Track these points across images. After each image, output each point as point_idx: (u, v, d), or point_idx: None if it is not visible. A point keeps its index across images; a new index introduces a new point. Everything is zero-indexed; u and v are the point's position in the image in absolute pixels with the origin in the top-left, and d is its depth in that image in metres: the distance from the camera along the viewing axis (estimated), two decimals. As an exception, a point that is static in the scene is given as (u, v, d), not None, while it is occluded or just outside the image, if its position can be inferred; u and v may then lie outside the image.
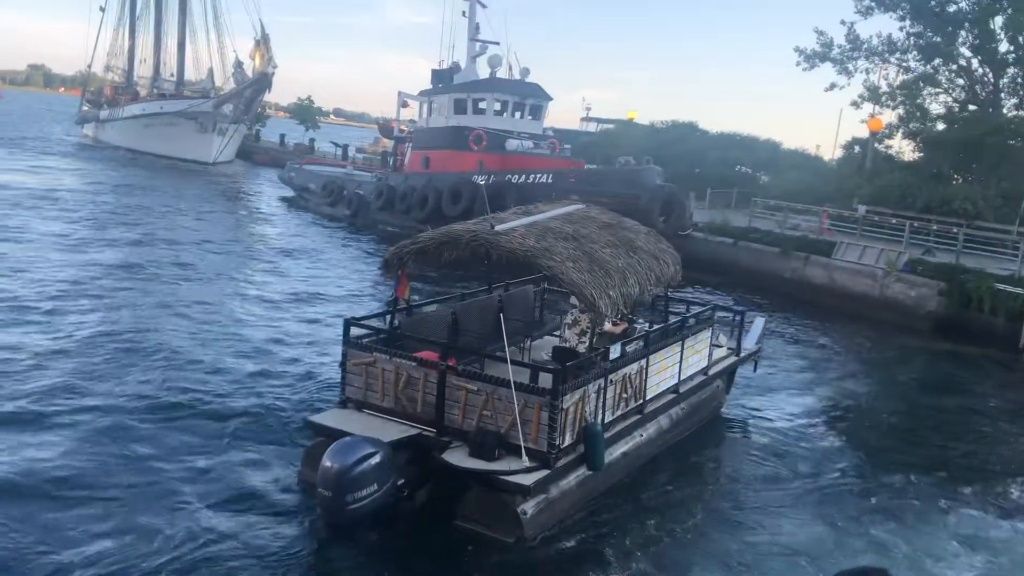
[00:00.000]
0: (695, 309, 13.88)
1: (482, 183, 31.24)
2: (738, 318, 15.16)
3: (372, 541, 9.31)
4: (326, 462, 8.65)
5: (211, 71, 70.99)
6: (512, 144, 35.59)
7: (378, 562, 9.08)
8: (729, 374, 14.79)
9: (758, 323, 15.77)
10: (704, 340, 13.53)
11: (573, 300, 13.47)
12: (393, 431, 9.84)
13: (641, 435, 11.62)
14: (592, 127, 61.13)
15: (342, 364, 10.79)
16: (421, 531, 9.53)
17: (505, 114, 37.12)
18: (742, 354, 15.02)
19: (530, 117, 37.67)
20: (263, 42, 57.52)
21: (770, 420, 14.97)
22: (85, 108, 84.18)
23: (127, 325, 16.83)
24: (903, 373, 20.47)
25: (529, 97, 37.31)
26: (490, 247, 10.38)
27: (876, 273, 26.73)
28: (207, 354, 15.37)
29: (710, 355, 13.79)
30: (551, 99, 38.28)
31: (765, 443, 13.77)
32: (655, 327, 12.54)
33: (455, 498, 9.58)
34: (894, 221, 30.53)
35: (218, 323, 17.86)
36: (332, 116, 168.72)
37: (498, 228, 10.36)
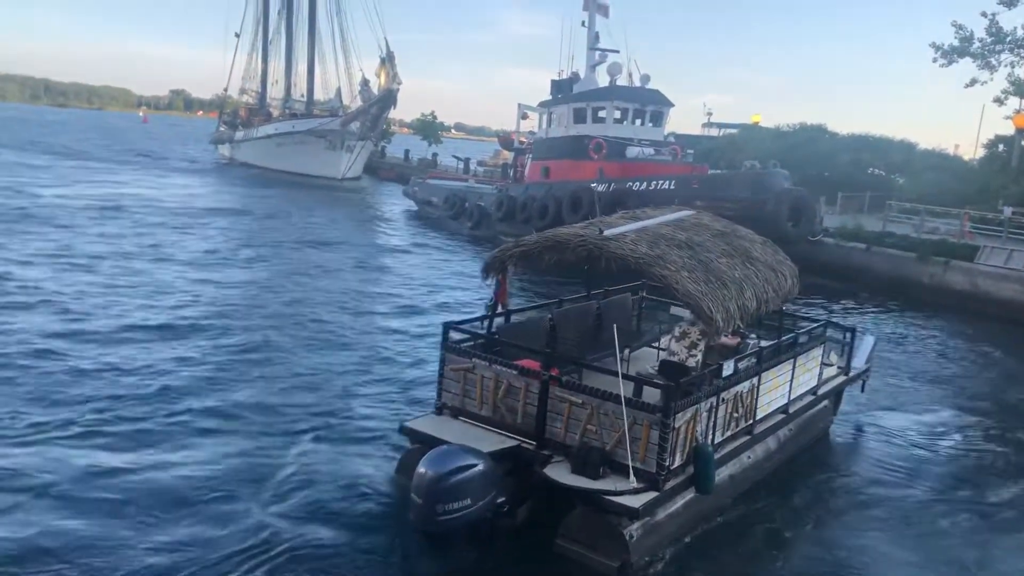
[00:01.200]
0: (806, 325, 13.22)
1: (601, 190, 31.16)
2: (848, 336, 14.37)
3: (468, 557, 8.92)
4: (421, 468, 8.42)
5: (339, 90, 73.31)
6: (632, 151, 35.27)
7: None
8: (837, 394, 14.01)
9: (868, 342, 14.90)
10: (815, 358, 12.81)
11: (675, 310, 12.88)
12: (491, 441, 9.47)
13: (749, 457, 11.00)
14: (714, 132, 59.98)
15: (439, 369, 10.54)
16: (520, 549, 9.11)
17: (625, 122, 36.82)
18: (851, 373, 14.24)
19: (651, 124, 37.23)
20: (388, 60, 59.16)
21: (886, 441, 13.99)
22: (221, 129, 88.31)
23: (247, 329, 17.46)
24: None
25: (649, 104, 36.89)
26: (599, 253, 9.82)
27: (1024, 278, 25.15)
28: (317, 356, 15.73)
29: (820, 374, 13.08)
30: (672, 105, 37.76)
31: (877, 468, 12.80)
32: (767, 343, 11.90)
33: (556, 516, 9.11)
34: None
35: (334, 326, 18.24)
36: (453, 131, 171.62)
37: (607, 233, 9.88)
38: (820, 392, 13.07)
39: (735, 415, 10.45)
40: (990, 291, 26.56)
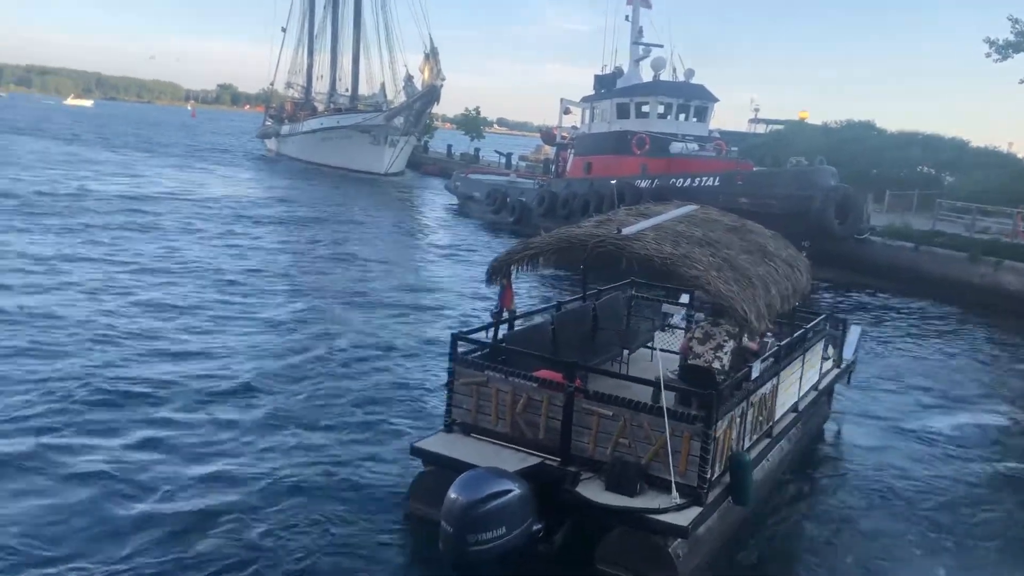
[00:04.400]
0: (809, 319, 12.89)
1: (644, 186, 30.92)
2: (839, 328, 14.15)
3: None
4: (452, 494, 7.75)
5: (383, 85, 73.62)
6: (676, 147, 34.98)
7: None
8: (831, 389, 13.77)
9: (854, 332, 14.60)
10: (818, 353, 12.53)
11: (667, 307, 12.50)
12: (511, 459, 8.79)
13: (768, 460, 10.62)
14: (761, 128, 59.18)
15: (448, 384, 9.78)
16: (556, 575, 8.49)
17: (669, 117, 36.52)
18: (843, 365, 13.99)
19: (695, 119, 36.88)
20: (432, 56, 59.34)
21: (884, 437, 13.87)
22: (268, 123, 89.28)
23: (273, 328, 17.32)
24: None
25: (694, 99, 36.53)
26: (619, 253, 9.31)
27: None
28: (341, 355, 15.47)
29: (820, 369, 12.84)
30: (717, 100, 37.38)
31: (886, 463, 12.63)
32: (780, 342, 11.47)
33: (590, 537, 8.55)
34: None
35: (362, 327, 17.93)
36: (496, 126, 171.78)
37: (625, 231, 9.36)
38: (820, 387, 12.83)
39: (760, 418, 10.14)
40: (1046, 292, 25.88)
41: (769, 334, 11.18)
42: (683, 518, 8.11)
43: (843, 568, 9.47)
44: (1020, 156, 46.18)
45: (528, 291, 21.24)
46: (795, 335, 11.61)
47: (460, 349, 9.76)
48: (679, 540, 8.21)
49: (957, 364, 19.38)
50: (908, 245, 30.03)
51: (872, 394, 16.02)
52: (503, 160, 63.98)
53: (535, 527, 8.12)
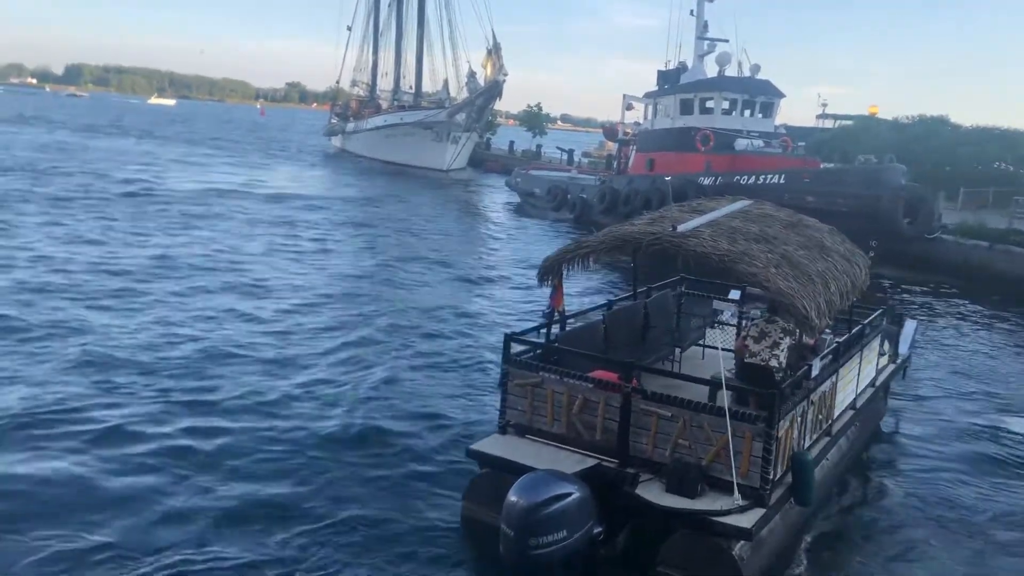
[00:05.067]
0: (867, 314, 12.57)
1: (707, 184, 30.50)
2: (896, 324, 13.91)
3: None
4: (512, 497, 7.72)
5: (446, 82, 74.13)
6: (741, 144, 34.43)
7: None
8: (887, 384, 13.48)
9: (909, 327, 14.24)
10: (875, 349, 12.27)
11: (718, 304, 12.36)
12: (569, 461, 8.73)
13: (828, 459, 10.39)
14: (829, 124, 57.90)
15: (502, 384, 9.71)
16: None
17: (734, 113, 36.00)
18: (898, 361, 13.72)
19: (760, 115, 36.28)
20: (494, 51, 59.49)
21: (940, 434, 13.60)
22: (333, 121, 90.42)
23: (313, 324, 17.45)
24: None
25: (759, 94, 35.93)
26: (675, 251, 9.12)
27: None
28: (390, 355, 15.39)
29: (877, 364, 12.58)
30: (783, 96, 36.71)
31: (935, 467, 12.31)
32: (838, 338, 11.25)
33: (650, 539, 8.41)
34: None
35: (411, 324, 17.93)
36: (559, 122, 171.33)
37: (680, 229, 9.21)
38: (878, 383, 12.57)
39: (819, 417, 9.95)
40: None
41: (827, 330, 10.94)
42: (746, 520, 7.99)
43: (903, 571, 9.24)
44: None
45: (578, 290, 20.97)
46: (853, 331, 11.38)
47: (513, 350, 9.69)
48: (742, 542, 8.10)
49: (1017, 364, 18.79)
50: (982, 244, 29.11)
51: (932, 393, 15.69)
52: (565, 157, 63.76)
53: (596, 530, 8.07)
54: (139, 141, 72.45)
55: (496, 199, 50.91)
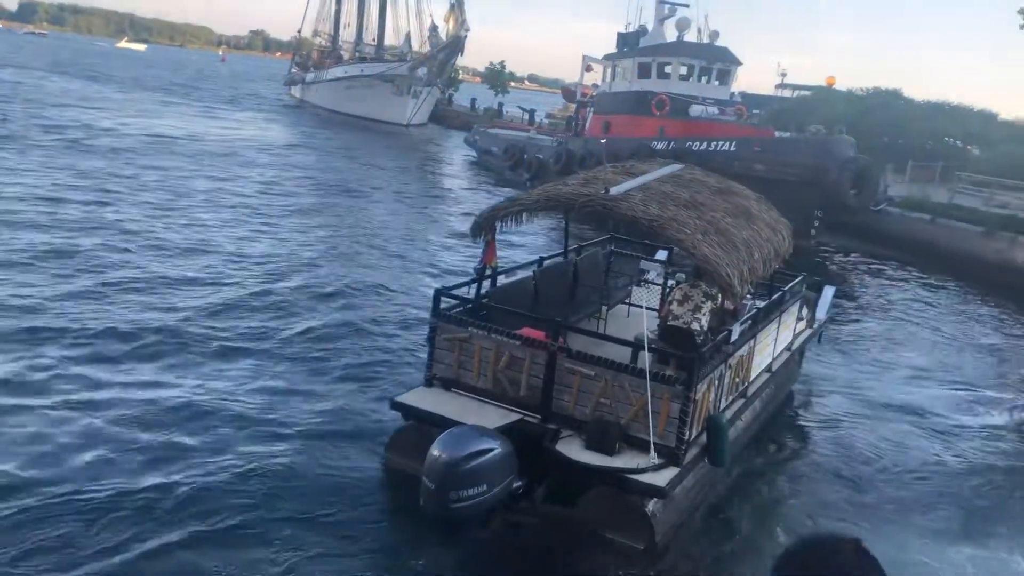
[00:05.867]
0: (787, 280, 12.93)
1: (660, 148, 30.64)
2: (815, 290, 14.36)
3: (482, 543, 8.39)
4: (434, 451, 7.83)
5: (408, 35, 73.12)
6: (696, 110, 34.56)
7: (486, 564, 8.29)
8: (802, 349, 13.94)
9: (828, 293, 14.67)
10: (794, 314, 12.70)
11: (645, 264, 12.66)
12: (492, 415, 8.87)
13: (742, 420, 10.73)
14: (788, 94, 58.25)
15: (430, 339, 9.74)
16: (535, 531, 8.59)
17: (691, 79, 36.04)
18: (815, 326, 14.17)
19: (717, 82, 36.38)
20: (457, 6, 58.74)
21: (850, 396, 14.20)
22: (294, 71, 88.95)
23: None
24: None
25: (716, 61, 35.99)
26: (606, 213, 9.29)
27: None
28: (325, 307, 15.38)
29: (795, 329, 13.02)
30: (740, 63, 36.81)
31: (843, 427, 12.88)
32: (759, 303, 11.58)
33: (568, 495, 8.65)
34: None
35: (345, 278, 17.69)
36: (527, 82, 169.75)
37: (613, 191, 9.32)
38: (794, 348, 12.96)
39: (736, 380, 10.25)
40: (1061, 271, 25.52)
41: (748, 295, 11.22)
42: (660, 478, 8.25)
43: (809, 528, 9.55)
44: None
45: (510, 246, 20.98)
46: (773, 297, 11.72)
47: (443, 305, 9.81)
48: (656, 499, 8.37)
49: (945, 337, 19.38)
50: (925, 217, 29.67)
51: (848, 359, 16.25)
52: (526, 116, 63.45)
53: (516, 484, 8.27)
54: (93, 83, 70.10)
55: (455, 156, 50.61)
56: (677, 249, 10.52)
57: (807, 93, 55.46)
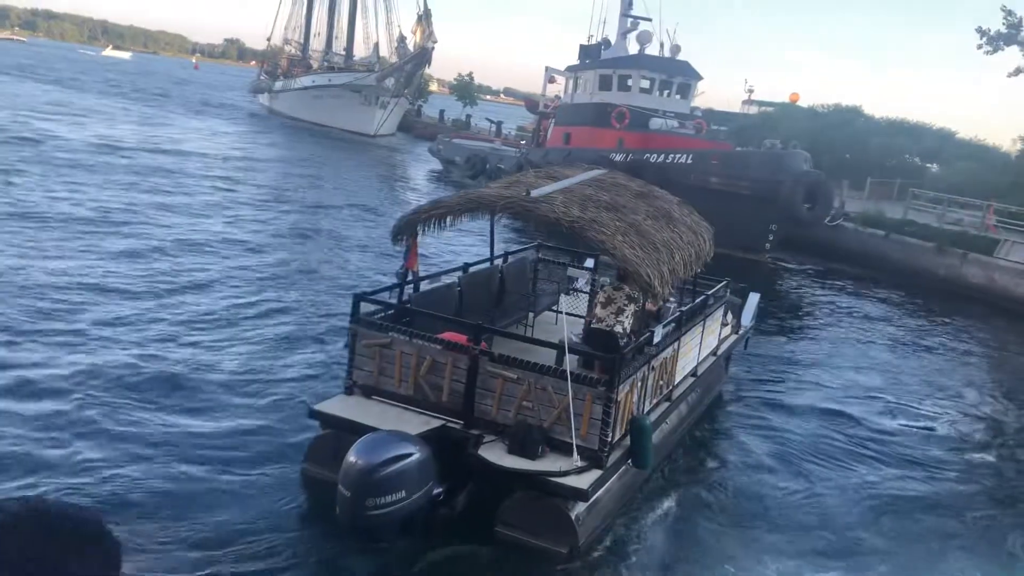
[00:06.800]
0: (711, 285, 12.99)
1: (618, 160, 30.64)
2: (739, 296, 14.62)
3: (400, 553, 8.12)
4: (350, 458, 7.60)
5: (376, 45, 72.95)
6: (656, 123, 34.69)
7: (406, 573, 8.02)
8: (728, 354, 14.05)
9: (753, 299, 14.94)
10: (718, 319, 12.81)
11: (572, 271, 12.68)
12: (413, 422, 8.72)
13: (668, 423, 10.73)
14: (753, 110, 58.75)
15: (349, 345, 9.53)
16: (456, 538, 8.40)
17: (652, 92, 36.16)
18: (740, 331, 14.35)
19: (678, 96, 36.52)
20: (424, 18, 58.74)
21: (777, 403, 14.38)
22: (262, 78, 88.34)
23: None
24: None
25: (677, 75, 36.12)
26: (527, 215, 9.32)
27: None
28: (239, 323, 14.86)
29: (720, 334, 13.12)
30: (700, 78, 37.00)
31: (775, 426, 13.11)
32: (677, 306, 11.58)
33: (492, 501, 8.48)
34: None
35: (271, 284, 17.55)
36: (502, 95, 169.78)
37: (534, 194, 9.30)
38: (719, 352, 13.05)
39: (660, 382, 10.21)
40: (1007, 286, 25.76)
41: (671, 299, 11.24)
42: (583, 481, 8.15)
43: (731, 533, 9.59)
44: (1003, 150, 45.66)
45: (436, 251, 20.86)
46: (696, 301, 11.75)
47: (363, 310, 9.60)
48: (579, 503, 8.26)
49: (885, 347, 19.60)
50: (880, 233, 29.94)
51: (777, 366, 16.45)
52: (493, 128, 63.50)
53: (436, 490, 8.10)
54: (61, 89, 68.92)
55: (419, 166, 50.51)
56: (603, 257, 10.45)
57: (771, 109, 55.92)
